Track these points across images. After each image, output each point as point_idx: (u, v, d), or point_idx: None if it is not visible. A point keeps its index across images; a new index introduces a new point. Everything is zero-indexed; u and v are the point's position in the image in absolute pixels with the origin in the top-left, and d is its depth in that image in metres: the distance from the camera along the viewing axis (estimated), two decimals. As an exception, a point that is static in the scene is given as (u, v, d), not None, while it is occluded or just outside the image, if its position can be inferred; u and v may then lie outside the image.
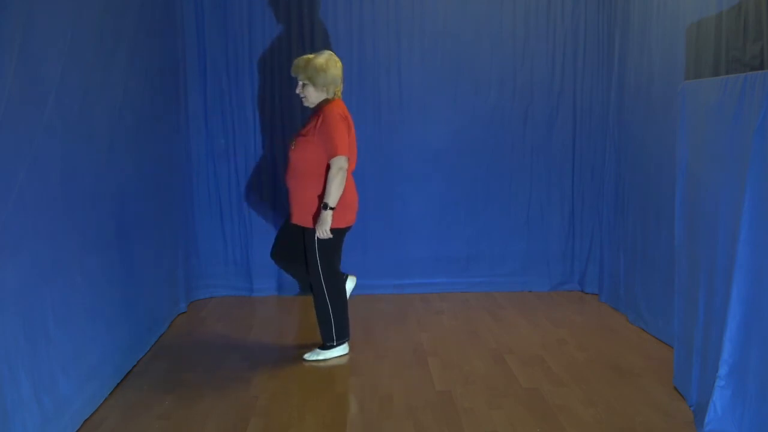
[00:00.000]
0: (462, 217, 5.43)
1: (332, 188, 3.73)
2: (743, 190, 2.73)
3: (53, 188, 2.92)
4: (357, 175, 5.30)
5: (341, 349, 4.04)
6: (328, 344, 4.00)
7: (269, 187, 5.32)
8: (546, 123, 5.36)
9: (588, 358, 4.02)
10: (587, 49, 5.30)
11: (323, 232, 3.76)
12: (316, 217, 3.80)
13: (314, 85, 3.83)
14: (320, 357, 3.99)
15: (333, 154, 3.73)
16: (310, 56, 3.88)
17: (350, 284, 4.08)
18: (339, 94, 3.92)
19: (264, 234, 5.35)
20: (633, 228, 4.69)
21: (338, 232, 3.87)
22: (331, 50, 5.06)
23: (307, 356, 4.01)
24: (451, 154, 5.35)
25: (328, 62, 3.84)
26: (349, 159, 3.79)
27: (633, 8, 4.67)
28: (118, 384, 3.61)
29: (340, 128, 3.76)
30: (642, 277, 4.54)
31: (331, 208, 3.74)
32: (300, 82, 3.88)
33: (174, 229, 4.80)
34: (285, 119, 5.25)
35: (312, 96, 3.88)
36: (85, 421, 3.18)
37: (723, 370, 2.87)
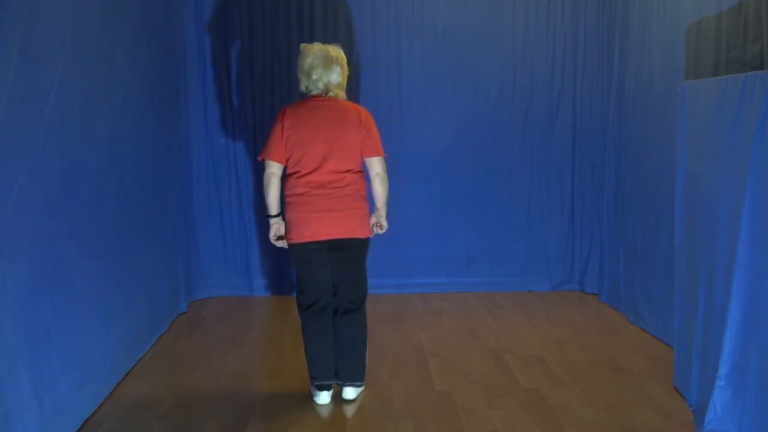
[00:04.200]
0: (462, 217, 5.43)
1: (264, 194, 3.36)
2: (743, 190, 2.73)
3: (53, 189, 2.92)
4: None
5: (315, 395, 3.43)
6: None
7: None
8: (546, 123, 5.37)
9: (588, 358, 4.02)
10: (587, 49, 5.30)
11: (270, 237, 3.44)
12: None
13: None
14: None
15: None
16: None
17: (324, 398, 3.43)
18: (310, 91, 3.32)
19: (264, 234, 5.36)
20: (633, 228, 4.70)
21: (290, 247, 3.37)
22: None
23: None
24: (451, 154, 5.36)
25: (302, 52, 3.34)
26: (289, 164, 3.28)
27: (633, 8, 4.67)
28: (118, 384, 3.61)
29: (271, 130, 3.32)
30: (642, 277, 4.54)
31: (267, 216, 3.38)
32: None
33: (174, 229, 4.80)
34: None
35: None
36: (85, 421, 3.18)
37: (723, 370, 2.87)
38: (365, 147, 3.32)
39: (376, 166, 3.35)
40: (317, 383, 3.41)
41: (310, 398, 3.46)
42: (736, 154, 2.82)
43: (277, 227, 3.38)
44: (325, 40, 5.09)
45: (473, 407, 3.35)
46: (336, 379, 3.45)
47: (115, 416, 3.28)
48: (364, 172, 3.39)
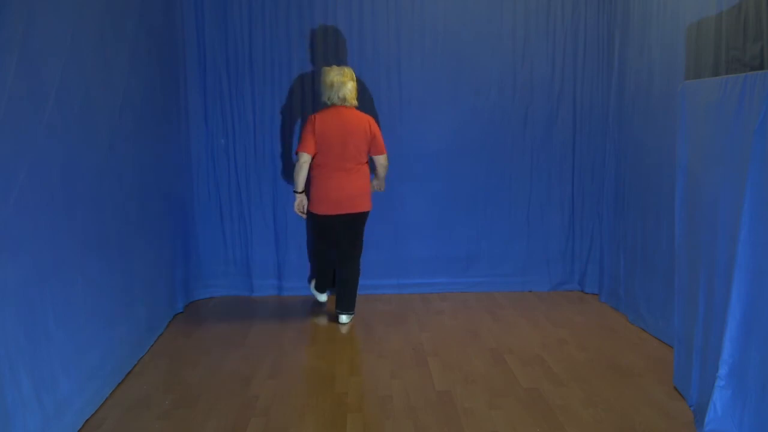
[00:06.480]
0: (462, 217, 5.43)
1: (294, 176, 4.56)
2: (743, 190, 2.73)
3: (53, 188, 2.92)
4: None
5: (318, 296, 5.14)
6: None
7: (269, 187, 5.32)
8: (546, 123, 5.36)
9: (588, 358, 4.03)
10: (587, 49, 5.30)
11: (294, 207, 4.68)
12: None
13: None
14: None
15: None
16: None
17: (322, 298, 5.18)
18: (331, 101, 4.48)
19: (264, 234, 5.36)
20: (633, 228, 4.70)
21: (312, 216, 4.68)
22: (331, 50, 5.17)
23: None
24: (451, 154, 5.35)
25: (324, 72, 4.53)
26: (315, 156, 4.46)
27: (633, 8, 4.67)
28: (118, 384, 3.62)
29: (305, 130, 4.49)
30: (642, 277, 4.54)
31: (295, 192, 4.59)
32: None
33: (174, 229, 4.80)
34: (284, 119, 5.25)
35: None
36: (86, 420, 3.18)
37: (723, 370, 2.88)
38: (372, 147, 4.58)
39: (381, 160, 4.66)
40: (320, 290, 5.09)
41: (315, 304, 5.13)
42: (736, 154, 2.82)
43: (300, 200, 4.62)
44: (326, 40, 5.18)
45: (473, 407, 3.36)
46: (336, 308, 4.80)
47: (116, 416, 3.28)
48: (368, 163, 4.61)
